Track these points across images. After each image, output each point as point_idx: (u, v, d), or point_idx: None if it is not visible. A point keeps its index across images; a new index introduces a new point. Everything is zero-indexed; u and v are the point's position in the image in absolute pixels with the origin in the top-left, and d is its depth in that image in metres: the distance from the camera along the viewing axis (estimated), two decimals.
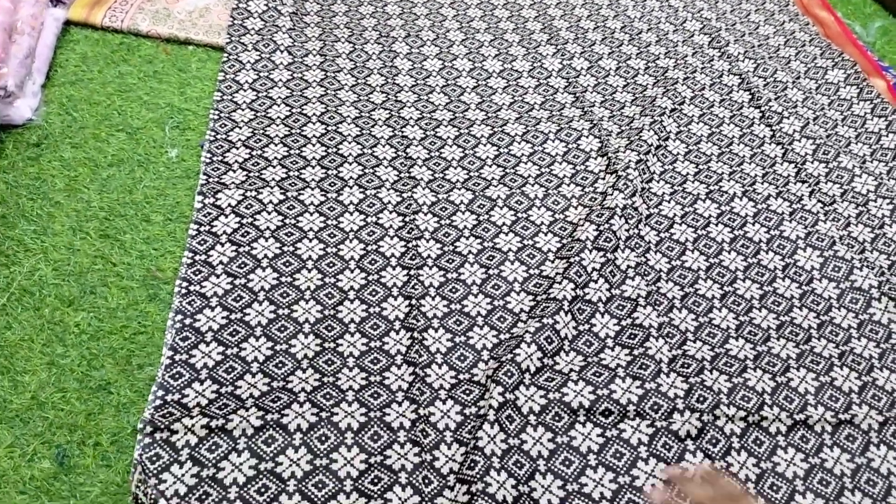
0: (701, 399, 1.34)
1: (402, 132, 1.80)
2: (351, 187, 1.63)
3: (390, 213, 1.60)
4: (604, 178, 1.76)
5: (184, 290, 1.38)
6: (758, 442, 1.30)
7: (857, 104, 2.04)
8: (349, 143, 1.74)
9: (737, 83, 2.08)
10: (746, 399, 1.36)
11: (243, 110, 1.76)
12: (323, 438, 1.21)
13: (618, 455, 1.26)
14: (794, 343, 1.46)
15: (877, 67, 2.14)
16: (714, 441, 1.29)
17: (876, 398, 1.39)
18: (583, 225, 1.62)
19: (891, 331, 1.50)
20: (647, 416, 1.31)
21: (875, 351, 1.47)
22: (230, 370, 1.27)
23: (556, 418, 1.30)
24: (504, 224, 1.63)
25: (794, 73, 2.13)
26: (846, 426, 1.34)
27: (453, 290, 1.48)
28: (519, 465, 1.22)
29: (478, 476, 1.18)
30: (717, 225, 1.69)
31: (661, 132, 1.88)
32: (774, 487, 1.25)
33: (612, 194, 1.67)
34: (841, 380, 1.41)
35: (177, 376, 1.24)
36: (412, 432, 1.25)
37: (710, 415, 1.32)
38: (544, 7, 2.33)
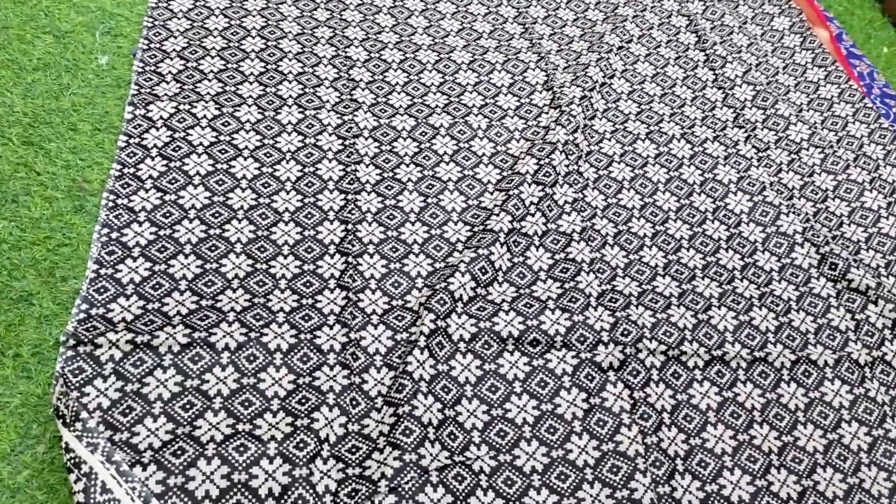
0: (625, 332, 1.38)
1: (346, 52, 1.75)
2: (290, 106, 1.59)
3: (330, 135, 1.57)
4: (547, 113, 1.75)
5: (111, 204, 1.33)
6: (676, 375, 1.36)
7: (800, 53, 2.06)
8: (289, 60, 1.68)
9: (685, 24, 2.08)
10: (668, 334, 1.40)
11: (179, 19, 1.68)
12: (251, 358, 1.21)
13: (542, 384, 1.30)
14: (718, 283, 1.51)
15: (821, 17, 2.17)
16: (634, 373, 1.33)
17: (790, 338, 1.45)
18: (524, 158, 1.62)
19: (810, 275, 1.56)
20: (573, 348, 1.35)
21: (794, 294, 1.53)
22: (157, 286, 1.25)
23: (486, 346, 1.32)
24: (445, 153, 1.62)
25: (741, 18, 2.14)
26: (760, 363, 1.41)
27: (391, 216, 1.48)
28: (446, 389, 1.24)
29: (405, 399, 1.20)
30: (654, 165, 1.71)
31: (607, 69, 1.88)
32: (688, 418, 1.31)
33: (554, 129, 1.67)
34: (759, 319, 1.47)
35: (102, 290, 1.22)
36: (342, 355, 1.25)
37: (633, 348, 1.36)
38: None
